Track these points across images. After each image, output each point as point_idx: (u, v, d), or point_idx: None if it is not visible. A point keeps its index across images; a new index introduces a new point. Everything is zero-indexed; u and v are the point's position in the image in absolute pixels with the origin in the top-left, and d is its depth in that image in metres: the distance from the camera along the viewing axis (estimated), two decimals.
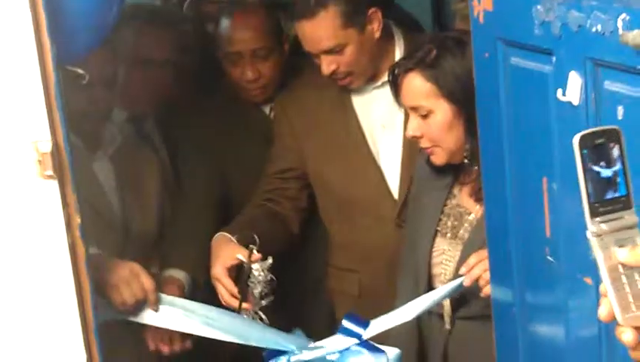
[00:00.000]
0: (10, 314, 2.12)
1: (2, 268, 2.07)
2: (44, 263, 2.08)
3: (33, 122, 2.01)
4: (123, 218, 2.71)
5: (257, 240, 2.58)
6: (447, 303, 2.58)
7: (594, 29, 1.48)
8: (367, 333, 2.48)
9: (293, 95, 3.04)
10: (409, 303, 2.53)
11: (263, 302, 2.56)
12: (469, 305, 2.55)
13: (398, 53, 2.91)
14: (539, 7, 1.65)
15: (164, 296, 2.47)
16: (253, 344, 2.51)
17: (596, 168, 1.17)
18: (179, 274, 2.74)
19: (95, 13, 2.19)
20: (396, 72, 2.51)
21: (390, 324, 2.51)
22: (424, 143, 2.50)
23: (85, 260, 2.10)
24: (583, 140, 1.16)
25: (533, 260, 1.94)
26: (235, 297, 2.54)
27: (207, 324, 2.45)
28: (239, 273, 2.59)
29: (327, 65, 2.78)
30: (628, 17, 1.39)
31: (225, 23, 3.08)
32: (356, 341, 2.47)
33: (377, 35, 2.82)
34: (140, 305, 2.42)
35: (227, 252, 2.61)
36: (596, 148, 1.16)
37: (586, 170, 1.16)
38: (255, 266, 2.54)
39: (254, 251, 2.56)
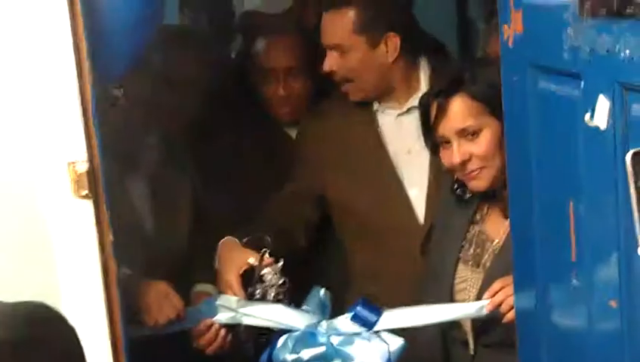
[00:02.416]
0: None
1: (37, 284, 2.11)
2: (77, 280, 2.12)
3: (70, 143, 2.07)
4: (155, 239, 2.75)
5: (269, 241, 2.61)
6: (469, 330, 2.59)
7: (623, 54, 1.50)
8: (379, 325, 2.50)
9: (318, 119, 3.07)
10: (427, 306, 2.55)
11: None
12: (492, 333, 2.55)
13: (423, 79, 2.94)
14: (569, 30, 1.67)
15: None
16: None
17: None
18: (208, 288, 2.76)
19: (131, 34, 2.24)
20: (439, 98, 2.50)
21: (404, 323, 2.53)
22: (472, 165, 2.49)
23: (117, 278, 2.14)
24: (635, 157, 1.17)
25: (559, 284, 1.95)
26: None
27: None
28: (249, 276, 2.60)
29: (329, 61, 2.86)
30: None
31: (261, 40, 3.16)
32: (365, 329, 2.50)
33: (390, 59, 2.87)
34: (171, 324, 2.46)
35: (238, 257, 2.63)
36: None
37: (637, 186, 1.17)
38: (267, 270, 2.56)
39: (266, 254, 2.58)
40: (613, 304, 1.70)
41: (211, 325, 2.60)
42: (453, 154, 2.50)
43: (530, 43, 1.88)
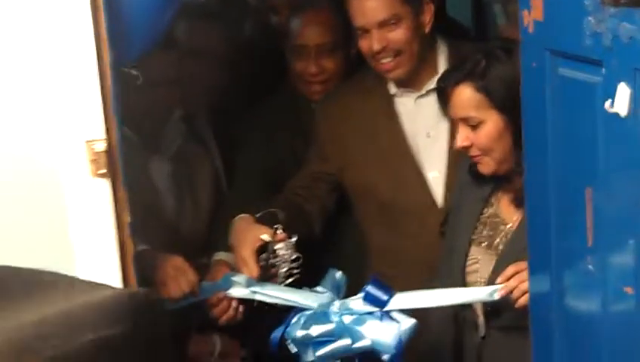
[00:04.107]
0: None
1: (54, 263, 2.13)
2: (94, 258, 2.14)
3: (89, 122, 2.09)
4: (175, 218, 2.77)
5: (283, 217, 2.63)
6: (480, 313, 2.62)
7: None
8: (390, 305, 2.52)
9: (338, 99, 3.07)
10: (439, 290, 2.58)
11: (289, 280, 2.60)
12: (502, 316, 2.58)
13: (442, 62, 2.94)
14: (590, 18, 1.67)
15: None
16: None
17: None
18: (227, 257, 2.78)
19: (151, 15, 2.25)
20: (445, 83, 2.55)
21: (414, 304, 2.55)
22: (473, 152, 2.54)
23: (133, 257, 2.16)
24: None
25: (574, 269, 1.96)
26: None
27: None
28: (262, 252, 2.62)
29: (379, 40, 2.80)
30: None
31: (294, 16, 3.15)
32: (377, 309, 2.52)
33: (428, 28, 2.86)
34: (186, 297, 2.50)
35: (252, 233, 2.64)
36: None
37: None
38: (280, 245, 2.58)
39: (279, 230, 2.59)
40: (628, 290, 1.71)
41: (224, 297, 2.63)
42: (456, 139, 2.57)
43: (551, 29, 1.88)
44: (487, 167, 2.56)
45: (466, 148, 2.55)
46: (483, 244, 2.63)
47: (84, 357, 0.94)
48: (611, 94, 1.64)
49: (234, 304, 2.64)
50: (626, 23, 1.56)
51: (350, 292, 2.65)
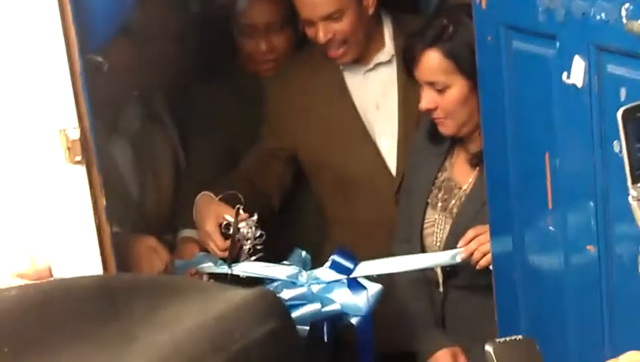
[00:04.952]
0: None
1: (35, 246, 2.17)
2: (73, 244, 2.19)
3: (61, 111, 2.11)
4: (139, 198, 2.82)
5: (242, 199, 2.65)
6: (439, 272, 2.69)
7: (598, 17, 1.59)
8: (355, 272, 2.57)
9: (288, 75, 3.10)
10: (402, 257, 2.64)
11: (253, 258, 2.63)
12: (459, 276, 2.67)
13: (387, 35, 2.98)
14: None
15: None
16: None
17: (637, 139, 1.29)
18: (193, 234, 2.83)
19: (115, 3, 2.28)
20: (413, 47, 2.57)
21: (379, 270, 2.60)
22: (437, 114, 2.58)
23: (110, 239, 2.21)
24: (625, 113, 1.28)
25: (536, 230, 2.05)
26: (226, 250, 2.63)
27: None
28: (226, 231, 2.66)
29: (325, 32, 2.82)
30: (631, 7, 1.50)
31: None
32: (344, 277, 2.57)
33: (371, 10, 2.89)
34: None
35: (215, 209, 2.67)
36: (637, 121, 1.28)
37: (628, 139, 1.28)
38: (242, 224, 2.61)
39: (240, 210, 2.62)
40: (590, 248, 1.81)
41: (195, 273, 2.69)
42: (421, 101, 2.60)
43: (504, 4, 1.95)
44: (448, 128, 2.60)
45: (430, 111, 2.59)
46: (438, 207, 2.70)
47: (262, 349, 0.97)
48: (566, 67, 1.72)
49: (205, 279, 2.70)
50: (578, 0, 1.64)
51: (314, 266, 2.71)
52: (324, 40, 2.84)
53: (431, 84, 2.57)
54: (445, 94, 2.55)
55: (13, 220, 2.14)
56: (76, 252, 2.19)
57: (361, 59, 2.98)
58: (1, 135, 2.12)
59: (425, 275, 2.75)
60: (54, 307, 1.01)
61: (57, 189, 2.15)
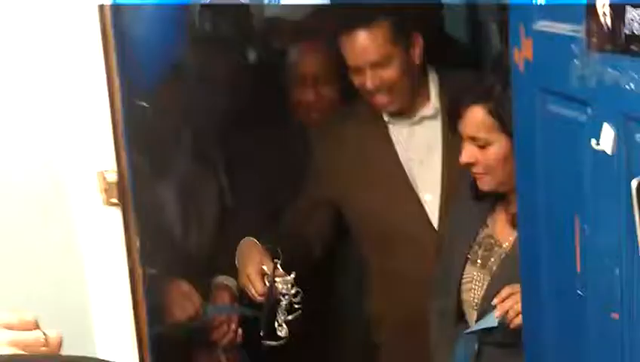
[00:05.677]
0: (72, 327, 2.25)
1: (68, 286, 2.21)
2: (106, 286, 2.22)
3: (100, 153, 2.16)
4: (182, 239, 2.86)
5: (280, 254, 2.67)
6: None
7: (627, 87, 1.59)
8: None
9: (332, 126, 3.13)
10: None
11: (290, 317, 2.65)
12: (494, 333, 2.64)
13: (433, 90, 3.00)
14: (576, 61, 1.75)
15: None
16: None
17: None
18: (228, 281, 2.87)
19: (161, 46, 2.33)
20: (459, 102, 2.59)
21: None
22: (477, 169, 2.59)
23: (143, 281, 2.25)
24: None
25: (564, 293, 2.03)
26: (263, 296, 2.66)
27: None
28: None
29: (373, 79, 2.85)
30: None
31: (293, 45, 3.26)
32: None
33: (418, 60, 2.91)
34: (191, 321, 2.58)
35: (259, 255, 2.70)
36: None
37: None
38: (278, 279, 2.64)
39: (278, 266, 2.64)
40: (615, 316, 1.78)
41: (224, 320, 2.71)
42: (462, 155, 2.61)
43: (540, 69, 1.95)
44: (486, 184, 2.61)
45: (470, 165, 2.60)
46: (478, 264, 2.70)
47: None
48: (597, 133, 1.72)
49: (233, 327, 2.73)
50: (609, 69, 1.64)
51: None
52: (371, 87, 2.86)
53: (473, 139, 2.57)
54: (486, 150, 2.55)
55: (49, 259, 2.18)
56: (108, 294, 2.22)
57: (407, 112, 3.00)
58: (40, 173, 2.16)
59: (457, 331, 2.75)
60: None
61: (93, 231, 2.19)
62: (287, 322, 2.65)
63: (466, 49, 4.12)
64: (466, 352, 2.72)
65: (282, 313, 2.64)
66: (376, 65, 2.85)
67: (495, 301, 2.54)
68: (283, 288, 2.64)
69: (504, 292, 2.52)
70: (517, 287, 2.44)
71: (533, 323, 2.25)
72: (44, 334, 1.14)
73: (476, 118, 2.55)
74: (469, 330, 2.63)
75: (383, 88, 2.88)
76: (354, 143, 3.05)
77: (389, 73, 2.87)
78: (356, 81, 2.92)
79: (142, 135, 2.37)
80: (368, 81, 2.86)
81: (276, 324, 2.64)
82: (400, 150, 3.03)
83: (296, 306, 2.65)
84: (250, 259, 2.72)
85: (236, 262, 2.79)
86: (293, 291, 2.64)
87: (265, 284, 2.67)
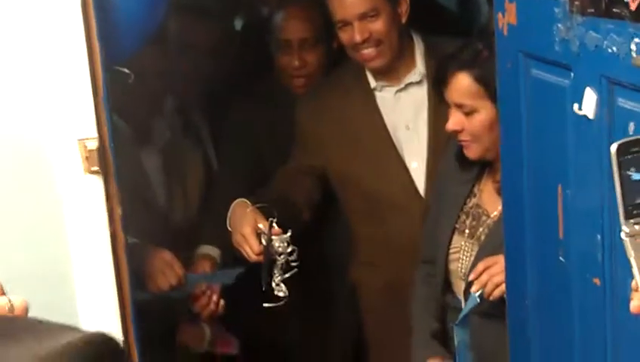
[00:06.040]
0: (54, 293, 2.25)
1: (51, 254, 2.20)
2: (88, 251, 2.22)
3: (81, 121, 2.14)
4: (166, 208, 2.85)
5: (275, 213, 2.65)
6: (462, 298, 2.68)
7: (609, 50, 1.58)
8: None
9: (318, 95, 3.12)
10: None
11: (286, 275, 2.62)
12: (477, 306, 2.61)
13: (419, 55, 3.00)
14: (559, 25, 1.74)
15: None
16: None
17: (631, 174, 1.27)
18: (212, 251, 2.87)
19: (142, 12, 2.30)
20: (445, 68, 2.57)
21: None
22: (463, 137, 2.58)
23: (125, 249, 2.24)
24: (620, 148, 1.26)
25: (547, 260, 2.03)
26: (260, 254, 2.63)
27: None
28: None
29: (361, 31, 2.86)
30: None
31: (278, 11, 3.22)
32: None
33: (404, 19, 2.92)
34: (173, 289, 2.58)
35: (253, 215, 2.68)
36: (631, 156, 1.27)
37: (621, 175, 1.26)
38: (275, 238, 2.61)
39: (274, 224, 2.63)
40: (596, 281, 1.79)
41: (205, 291, 2.71)
42: (448, 122, 2.60)
43: (523, 33, 1.95)
44: (473, 152, 2.60)
45: (457, 133, 2.59)
46: (466, 233, 2.69)
47: None
48: (579, 98, 1.71)
49: (215, 298, 2.72)
50: (592, 32, 1.63)
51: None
52: (360, 39, 2.87)
53: (459, 106, 2.56)
54: (472, 117, 2.54)
55: (30, 226, 2.17)
56: (90, 261, 2.22)
57: (392, 78, 3.00)
58: (20, 141, 2.15)
59: (445, 300, 2.75)
60: None
61: (75, 199, 2.18)
62: (284, 281, 2.63)
63: (455, 17, 4.09)
64: (464, 337, 2.70)
65: (279, 272, 2.62)
66: (364, 16, 2.86)
67: (471, 276, 2.54)
68: (279, 246, 2.61)
69: (479, 267, 2.52)
70: (492, 260, 2.46)
71: (516, 291, 2.25)
72: (9, 300, 1.13)
73: (462, 84, 2.54)
74: (458, 320, 2.62)
75: (371, 41, 2.89)
76: (340, 111, 3.05)
77: (377, 26, 2.87)
78: (344, 36, 2.92)
79: (123, 102, 2.36)
80: (356, 33, 2.87)
81: (273, 284, 2.62)
82: (386, 117, 3.02)
83: (292, 264, 2.63)
84: (244, 218, 2.70)
85: (228, 225, 2.76)
86: (289, 249, 2.62)
87: (261, 243, 2.65)
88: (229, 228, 2.75)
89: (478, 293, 2.52)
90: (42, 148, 2.15)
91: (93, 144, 2.14)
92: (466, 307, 2.60)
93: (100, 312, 2.26)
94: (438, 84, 2.63)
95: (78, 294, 2.24)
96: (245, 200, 2.76)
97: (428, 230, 2.86)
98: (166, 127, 2.90)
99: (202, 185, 3.02)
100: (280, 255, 2.62)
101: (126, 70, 2.33)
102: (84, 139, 2.14)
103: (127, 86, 2.41)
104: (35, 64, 2.13)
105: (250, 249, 2.65)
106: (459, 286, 2.70)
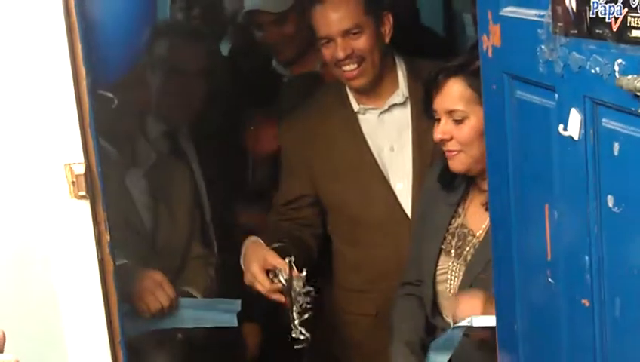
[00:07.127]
0: (42, 322, 2.24)
1: (35, 281, 2.19)
2: (76, 278, 2.20)
3: (67, 146, 2.14)
4: (153, 232, 2.84)
5: (292, 251, 2.67)
6: (451, 322, 2.64)
7: (593, 71, 1.58)
8: None
9: (299, 120, 3.13)
10: None
11: (305, 316, 2.61)
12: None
13: (401, 77, 3.01)
14: (543, 46, 1.74)
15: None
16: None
17: None
18: (193, 291, 2.87)
19: (128, 37, 2.30)
20: (438, 75, 2.58)
21: None
22: (451, 146, 2.57)
23: (113, 274, 2.23)
24: None
25: (535, 281, 2.02)
26: (275, 291, 2.63)
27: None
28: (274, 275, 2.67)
29: (344, 47, 2.88)
30: (623, 62, 1.49)
31: (264, 37, 3.27)
32: None
33: (387, 38, 2.94)
34: (163, 312, 2.57)
35: (264, 254, 2.70)
36: None
37: None
38: (294, 279, 2.60)
39: (293, 265, 2.61)
40: (585, 302, 1.78)
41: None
42: (436, 131, 2.60)
43: (508, 55, 1.95)
44: (460, 164, 2.59)
45: (445, 142, 2.58)
46: (452, 254, 2.69)
47: None
48: (564, 118, 1.71)
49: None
50: (575, 53, 1.63)
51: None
52: (342, 55, 2.88)
53: (450, 113, 2.56)
54: (462, 125, 2.55)
55: (14, 251, 2.16)
56: (78, 287, 2.21)
57: (375, 100, 3.01)
58: (7, 166, 2.14)
59: (433, 322, 2.75)
60: None
61: (61, 225, 2.17)
62: (302, 323, 2.61)
63: (439, 39, 4.11)
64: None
65: (297, 316, 2.60)
66: (347, 33, 2.88)
67: (451, 321, 2.53)
68: (297, 286, 2.60)
69: (459, 312, 2.51)
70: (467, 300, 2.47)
71: (506, 314, 2.23)
72: None
73: (456, 90, 2.55)
74: (436, 344, 2.62)
75: (353, 57, 2.90)
76: (324, 135, 3.05)
77: (360, 43, 2.89)
78: (327, 53, 2.93)
79: (109, 126, 2.35)
80: (339, 49, 2.88)
81: (292, 327, 2.60)
82: (370, 140, 3.03)
83: (308, 306, 2.62)
84: (254, 256, 2.72)
85: (241, 263, 2.78)
86: (304, 290, 2.61)
87: (270, 281, 2.63)
88: (242, 266, 2.77)
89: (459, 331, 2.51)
90: (28, 173, 2.14)
91: (80, 168, 2.13)
92: (445, 337, 2.58)
93: (88, 339, 2.25)
94: (429, 95, 2.63)
95: (65, 321, 2.22)
96: (257, 238, 2.78)
97: (412, 251, 2.85)
98: (151, 151, 2.90)
99: (190, 208, 3.01)
100: (298, 295, 2.60)
101: (109, 94, 2.33)
102: (70, 164, 2.13)
103: (111, 110, 2.41)
104: (20, 88, 2.13)
105: (263, 287, 2.66)
106: (447, 308, 2.70)
